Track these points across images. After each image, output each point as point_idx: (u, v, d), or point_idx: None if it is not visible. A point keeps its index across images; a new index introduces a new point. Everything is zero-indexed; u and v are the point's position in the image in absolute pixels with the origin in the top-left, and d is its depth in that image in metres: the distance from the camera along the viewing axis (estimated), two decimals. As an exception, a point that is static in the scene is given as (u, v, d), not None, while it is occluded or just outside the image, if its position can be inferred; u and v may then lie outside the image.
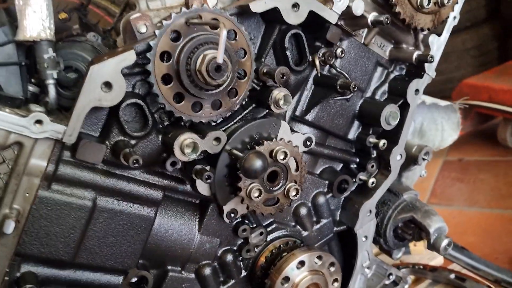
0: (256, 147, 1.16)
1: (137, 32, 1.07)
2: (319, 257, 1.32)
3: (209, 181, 1.10)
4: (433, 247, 1.47)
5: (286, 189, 1.24)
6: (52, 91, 0.98)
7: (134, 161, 1.00)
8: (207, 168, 1.15)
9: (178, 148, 1.08)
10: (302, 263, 1.30)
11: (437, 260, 2.20)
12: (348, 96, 1.38)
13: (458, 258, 2.11)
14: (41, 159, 0.99)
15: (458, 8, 1.44)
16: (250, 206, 1.21)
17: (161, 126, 1.14)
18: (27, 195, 1.00)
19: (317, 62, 1.25)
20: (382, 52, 1.45)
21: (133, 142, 1.10)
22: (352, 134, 1.49)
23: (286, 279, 1.28)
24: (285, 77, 1.15)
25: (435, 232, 1.46)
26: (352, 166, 1.52)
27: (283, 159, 1.18)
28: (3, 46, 0.95)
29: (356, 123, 1.48)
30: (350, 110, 1.44)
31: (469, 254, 2.11)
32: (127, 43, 1.11)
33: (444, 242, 1.44)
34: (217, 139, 1.14)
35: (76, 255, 1.10)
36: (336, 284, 1.37)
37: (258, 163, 1.07)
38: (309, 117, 1.38)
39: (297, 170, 1.25)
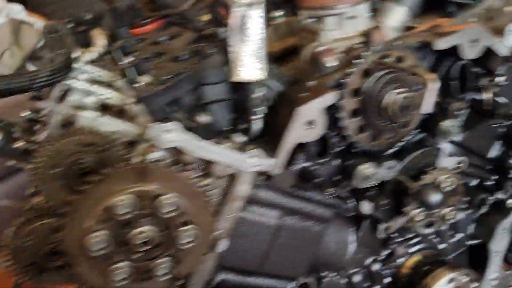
0: (424, 177, 1.23)
1: (323, 65, 1.14)
2: (467, 274, 1.40)
3: (382, 206, 1.19)
4: None
5: (444, 213, 1.31)
6: (255, 126, 1.08)
7: (332, 191, 1.09)
8: (379, 194, 1.23)
9: (358, 177, 1.17)
10: (452, 279, 1.38)
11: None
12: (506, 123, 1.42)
13: None
14: (246, 186, 1.10)
15: None
16: (412, 227, 1.30)
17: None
18: (230, 216, 1.12)
19: (485, 95, 1.29)
20: (535, 74, 1.45)
21: (315, 167, 1.20)
22: (492, 154, 1.52)
23: (435, 294, 1.38)
24: (459, 111, 1.20)
25: None
26: (487, 183, 1.57)
27: (447, 187, 1.25)
28: (217, 84, 1.05)
29: (497, 142, 1.51)
30: (496, 131, 1.47)
31: None
32: (309, 74, 1.17)
33: None
34: (390, 167, 1.22)
35: (261, 266, 1.23)
36: (473, 298, 1.45)
37: (436, 198, 1.15)
38: (459, 139, 1.42)
39: (454, 194, 1.32)
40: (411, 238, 1.47)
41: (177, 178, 0.94)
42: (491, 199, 1.52)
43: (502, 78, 1.33)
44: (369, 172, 1.17)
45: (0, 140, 1.81)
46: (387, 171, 1.21)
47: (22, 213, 0.93)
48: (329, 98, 1.06)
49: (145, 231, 0.92)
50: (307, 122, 1.05)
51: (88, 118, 0.92)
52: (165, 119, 0.97)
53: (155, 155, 0.95)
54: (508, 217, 1.51)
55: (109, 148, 0.91)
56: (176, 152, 0.99)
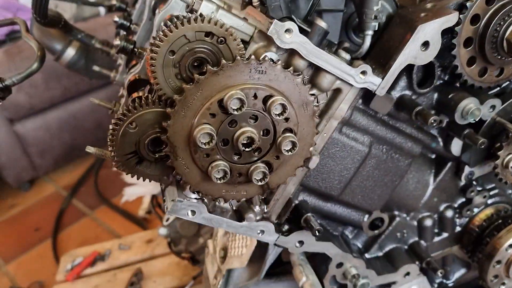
0: (527, 120, 1.17)
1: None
2: (546, 231, 1.36)
3: (483, 146, 1.13)
4: None
5: (537, 163, 1.25)
6: (368, 42, 1.02)
7: (433, 121, 1.04)
8: (474, 134, 1.17)
9: (459, 112, 1.12)
10: (532, 234, 1.34)
11: None
12: None
13: None
14: (346, 105, 1.06)
15: None
16: (499, 174, 1.25)
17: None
18: (325, 135, 1.09)
19: None
20: None
21: (414, 97, 1.14)
22: None
23: (510, 246, 1.34)
24: None
25: None
26: None
27: (550, 135, 1.18)
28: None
29: None
30: None
31: None
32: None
33: None
34: (492, 107, 1.15)
35: (342, 192, 1.21)
36: (548, 257, 1.41)
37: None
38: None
39: (551, 146, 1.25)
40: (490, 189, 1.42)
41: (289, 82, 0.90)
42: None
43: None
44: (471, 108, 1.11)
45: (74, 55, 1.81)
46: (489, 110, 1.15)
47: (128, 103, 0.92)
48: (450, 19, 0.99)
49: (250, 131, 0.90)
50: (423, 43, 0.99)
51: (210, 8, 0.88)
52: (283, 18, 0.92)
53: (270, 54, 0.91)
54: None
55: (227, 41, 0.87)
56: (289, 55, 0.95)
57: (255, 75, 0.87)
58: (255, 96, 0.88)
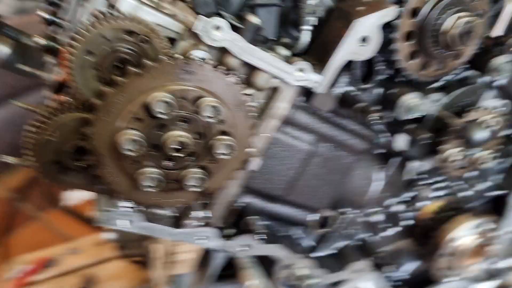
0: (469, 114, 1.16)
1: (383, -19, 1.04)
2: (490, 221, 1.37)
3: (426, 141, 1.12)
4: None
5: (478, 156, 1.25)
6: (305, 37, 0.98)
7: (377, 117, 1.02)
8: (417, 128, 1.16)
9: (403, 107, 1.10)
10: (474, 225, 1.35)
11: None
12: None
13: None
14: (286, 103, 1.02)
15: None
16: (443, 168, 1.24)
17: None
18: (265, 135, 1.05)
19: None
20: None
21: (357, 92, 1.12)
22: (531, 103, 1.45)
23: (457, 237, 1.35)
24: (517, 46, 1.11)
25: None
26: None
27: (491, 127, 1.18)
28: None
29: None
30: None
31: None
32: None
33: None
34: (435, 101, 1.14)
35: (287, 192, 1.17)
36: (494, 246, 1.43)
37: (481, 135, 1.09)
38: (502, 82, 1.34)
39: (493, 138, 1.25)
40: (438, 182, 1.42)
41: (221, 82, 0.85)
42: (523, 150, 1.46)
43: None
44: (413, 103, 1.09)
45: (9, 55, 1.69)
46: (432, 104, 1.14)
47: (49, 106, 0.84)
48: (388, 13, 0.96)
49: (180, 135, 0.85)
50: (361, 38, 0.96)
51: (131, 4, 0.81)
52: (211, 15, 0.87)
53: (199, 53, 0.86)
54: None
55: (151, 40, 0.81)
56: (221, 54, 0.90)
57: (183, 76, 0.82)
58: (184, 98, 0.83)
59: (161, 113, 0.80)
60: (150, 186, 0.87)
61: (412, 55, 1.07)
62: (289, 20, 1.04)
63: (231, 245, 1.13)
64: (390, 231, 1.43)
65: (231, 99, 0.87)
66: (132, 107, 0.80)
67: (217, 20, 0.84)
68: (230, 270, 1.34)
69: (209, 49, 0.88)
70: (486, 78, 1.23)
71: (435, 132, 1.21)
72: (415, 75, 1.10)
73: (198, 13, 0.86)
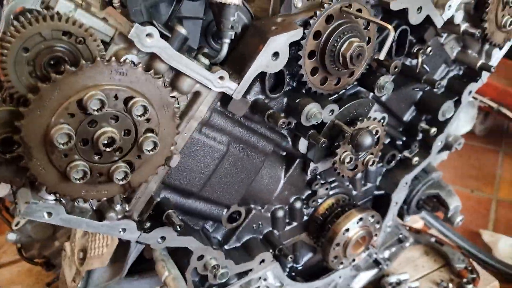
0: (359, 123, 1.37)
1: (293, 6, 1.20)
2: (373, 216, 1.60)
3: (324, 145, 1.29)
4: (448, 220, 1.80)
5: (366, 159, 1.47)
6: (225, 49, 1.10)
7: (282, 123, 1.17)
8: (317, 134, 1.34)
9: (305, 115, 1.26)
10: (361, 219, 1.57)
11: (417, 224, 2.59)
12: (425, 88, 1.61)
13: (437, 227, 2.52)
14: (205, 107, 1.13)
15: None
16: (337, 168, 1.44)
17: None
18: (185, 135, 1.15)
19: (421, 58, 1.45)
20: (451, 52, 1.67)
21: (266, 100, 1.26)
22: (406, 117, 1.73)
23: (347, 230, 1.56)
24: (396, 69, 1.35)
25: (453, 209, 1.79)
26: (398, 142, 1.78)
27: (376, 135, 1.40)
28: (196, 1, 1.05)
29: (412, 108, 1.72)
30: (413, 97, 1.68)
31: (446, 225, 2.53)
32: (280, 13, 1.22)
33: (459, 218, 1.78)
34: (331, 111, 1.33)
35: (202, 189, 1.28)
36: (375, 238, 1.67)
37: (369, 141, 1.29)
38: (384, 98, 1.59)
39: (377, 144, 1.48)
40: (331, 182, 1.63)
41: (150, 84, 0.93)
42: (399, 156, 1.73)
43: (429, 49, 1.51)
44: (314, 112, 1.26)
45: None
46: (329, 113, 1.32)
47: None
48: (297, 33, 1.12)
49: (109, 131, 0.92)
50: (273, 53, 1.11)
51: (67, 6, 0.87)
52: (144, 23, 0.95)
53: (131, 57, 0.93)
54: (411, 172, 1.74)
55: (86, 41, 0.87)
56: (150, 59, 0.98)
57: (116, 77, 0.89)
58: (116, 97, 0.90)
59: (94, 110, 0.87)
60: (78, 179, 0.92)
61: (314, 71, 1.25)
62: (211, 33, 1.16)
63: (148, 237, 1.20)
64: (290, 226, 1.61)
65: (158, 100, 0.96)
66: (67, 103, 0.85)
67: (149, 28, 0.92)
68: (144, 264, 1.41)
69: (139, 54, 0.96)
70: (373, 94, 1.46)
71: (331, 138, 1.40)
72: (316, 88, 1.28)
73: (131, 20, 0.94)
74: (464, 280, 2.11)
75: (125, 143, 0.95)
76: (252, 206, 1.49)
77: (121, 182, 0.98)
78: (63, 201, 1.02)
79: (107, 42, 0.95)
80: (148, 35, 0.93)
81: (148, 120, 0.96)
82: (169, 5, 1.02)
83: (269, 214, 1.54)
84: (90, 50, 0.89)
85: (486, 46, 1.67)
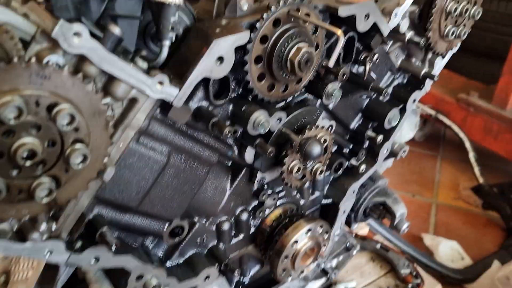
0: (307, 132, 1.33)
1: (239, 9, 1.13)
2: (321, 226, 1.56)
3: (271, 154, 1.23)
4: (395, 227, 1.80)
5: (314, 169, 1.43)
6: (165, 52, 1.01)
7: (228, 132, 1.10)
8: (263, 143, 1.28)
9: (251, 123, 1.20)
10: (309, 230, 1.53)
11: (362, 231, 2.60)
12: (371, 95, 1.60)
13: (382, 232, 2.55)
14: (143, 115, 1.03)
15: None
16: (285, 178, 1.39)
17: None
18: (121, 145, 1.04)
19: (368, 65, 1.43)
20: (395, 61, 1.67)
21: (210, 108, 1.19)
22: (353, 124, 1.71)
23: (296, 242, 1.51)
24: (345, 76, 1.31)
25: (399, 216, 1.79)
26: (345, 150, 1.76)
27: (324, 144, 1.37)
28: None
29: (358, 115, 1.71)
30: (360, 105, 1.66)
31: (391, 231, 2.56)
32: (225, 15, 1.15)
33: (405, 225, 1.79)
34: (279, 119, 1.28)
35: (140, 203, 1.18)
36: (324, 248, 1.63)
37: (317, 150, 1.25)
38: (331, 106, 1.56)
39: (325, 153, 1.45)
40: (279, 192, 1.57)
41: (78, 89, 0.83)
42: (347, 164, 1.71)
43: (376, 56, 1.50)
44: (261, 120, 1.20)
45: None
46: (276, 121, 1.27)
47: None
48: (243, 37, 1.06)
49: (30, 142, 0.80)
50: (218, 57, 1.04)
51: (-24, -1, 0.75)
52: (71, 20, 0.84)
53: (55, 58, 0.82)
54: (358, 180, 1.73)
55: (1, 40, 0.75)
56: (79, 60, 0.88)
57: (37, 80, 0.78)
58: (37, 104, 0.79)
59: (10, 119, 0.75)
60: (-6, 200, 0.80)
61: (261, 77, 1.19)
62: (149, 34, 1.07)
63: (79, 259, 1.08)
64: (236, 239, 1.54)
65: (88, 108, 0.86)
66: (-25, 111, 0.73)
67: (76, 26, 0.82)
68: (78, 285, 1.28)
69: (66, 55, 0.86)
70: (321, 102, 1.43)
71: (278, 147, 1.35)
72: (263, 95, 1.22)
73: (56, 17, 0.83)
74: (409, 285, 2.14)
75: (50, 156, 0.84)
76: (196, 219, 1.40)
77: (44, 200, 0.87)
78: (-24, 222, 0.89)
79: (28, 41, 0.84)
80: (76, 34, 0.83)
81: (76, 129, 0.85)
82: (101, 1, 0.92)
83: (214, 227, 1.46)
84: (6, 50, 0.77)
85: (430, 55, 1.69)
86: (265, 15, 1.10)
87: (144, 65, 1.01)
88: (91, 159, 0.89)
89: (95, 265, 1.12)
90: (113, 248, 1.04)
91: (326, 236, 1.61)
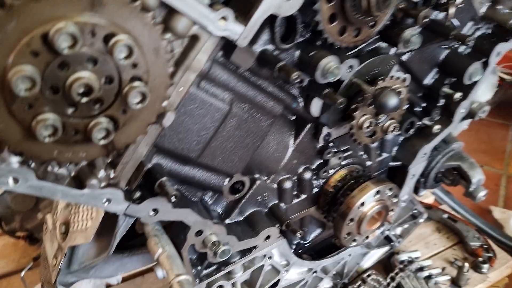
0: (381, 82, 1.19)
1: None
2: (390, 189, 1.44)
3: (341, 106, 1.12)
4: (470, 195, 1.65)
5: (386, 125, 1.30)
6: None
7: (296, 76, 0.99)
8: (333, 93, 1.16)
9: (320, 70, 1.08)
10: (378, 192, 1.41)
11: (427, 200, 2.44)
12: (451, 46, 1.43)
13: (448, 202, 2.38)
14: (205, 55, 0.95)
15: None
16: (354, 134, 1.27)
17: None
18: (181, 89, 0.97)
19: (451, 9, 1.26)
20: (479, 8, 1.48)
21: (276, 52, 1.08)
22: (427, 80, 1.55)
23: (362, 204, 1.40)
24: (426, 20, 1.16)
25: (475, 183, 1.63)
26: (417, 108, 1.60)
27: (400, 96, 1.23)
28: None
29: (434, 70, 1.54)
30: (436, 57, 1.49)
31: (458, 201, 2.39)
32: None
33: (482, 193, 1.63)
34: (351, 67, 1.15)
35: (201, 155, 1.11)
36: (391, 213, 1.51)
37: (393, 101, 1.12)
38: (405, 57, 1.41)
39: (399, 107, 1.31)
40: (345, 151, 1.46)
41: (136, 20, 0.75)
42: (419, 123, 1.56)
43: (460, 0, 1.32)
44: (331, 66, 1.08)
45: None
46: (347, 70, 1.14)
47: None
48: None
49: (86, 77, 0.74)
50: (287, -9, 0.92)
51: None
52: None
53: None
54: (430, 142, 1.58)
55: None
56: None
57: (94, 7, 0.71)
58: (93, 34, 0.72)
59: (64, 48, 0.68)
60: (47, 136, 0.74)
61: (332, 18, 1.06)
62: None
63: (138, 209, 1.03)
64: (298, 199, 1.45)
65: (147, 42, 0.78)
66: (28, 38, 0.67)
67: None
68: (136, 239, 1.25)
69: (123, -19, 0.77)
70: (395, 51, 1.28)
71: (348, 100, 1.22)
72: (333, 39, 1.10)
73: None
74: (480, 259, 1.98)
75: (107, 94, 0.78)
76: (257, 175, 1.32)
77: (102, 142, 0.80)
78: (33, 165, 0.85)
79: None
80: (134, -44, 0.74)
81: (134, 65, 0.78)
82: None
83: (275, 185, 1.37)
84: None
85: (520, 1, 1.48)
86: None
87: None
88: (150, 99, 0.81)
89: (154, 217, 1.07)
90: (173, 199, 0.98)
91: (395, 200, 1.49)
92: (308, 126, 1.31)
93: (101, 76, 0.75)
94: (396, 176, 1.66)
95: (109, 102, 0.79)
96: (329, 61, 1.08)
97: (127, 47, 0.74)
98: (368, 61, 1.20)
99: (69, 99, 0.74)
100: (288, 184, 1.38)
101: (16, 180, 0.82)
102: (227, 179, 1.22)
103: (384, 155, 1.59)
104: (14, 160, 0.81)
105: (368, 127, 1.24)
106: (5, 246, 2.10)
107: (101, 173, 0.94)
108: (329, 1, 1.03)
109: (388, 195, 1.45)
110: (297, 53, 1.12)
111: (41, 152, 0.78)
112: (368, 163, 1.55)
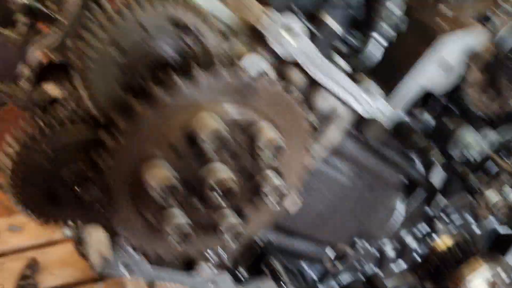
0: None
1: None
2: (505, 269, 1.27)
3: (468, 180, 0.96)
4: None
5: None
6: (373, 51, 0.77)
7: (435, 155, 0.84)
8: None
9: (458, 147, 0.93)
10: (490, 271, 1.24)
11: None
12: None
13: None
14: (340, 131, 0.81)
15: None
16: (475, 209, 1.11)
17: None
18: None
19: None
20: None
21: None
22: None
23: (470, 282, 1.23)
24: None
25: None
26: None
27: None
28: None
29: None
30: None
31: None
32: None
33: None
34: (490, 141, 0.99)
35: (313, 228, 0.99)
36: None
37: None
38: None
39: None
40: (455, 220, 1.29)
41: (282, 104, 0.63)
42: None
43: None
44: (472, 144, 0.93)
45: None
46: (488, 144, 0.98)
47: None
48: (477, 34, 0.78)
49: (228, 177, 0.62)
50: (444, 63, 0.77)
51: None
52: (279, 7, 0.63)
53: (259, 61, 0.62)
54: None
55: (201, 35, 0.57)
56: (281, 63, 0.66)
57: (238, 90, 0.59)
58: (238, 125, 0.60)
59: (207, 143, 0.57)
60: (177, 240, 0.63)
61: (482, 89, 0.91)
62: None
63: (241, 288, 0.92)
64: (400, 267, 1.29)
65: (290, 127, 0.66)
66: (171, 133, 0.56)
67: (292, 21, 0.61)
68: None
69: (267, 55, 0.65)
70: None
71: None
72: (477, 110, 0.94)
73: (266, 4, 0.62)
74: None
75: (240, 188, 0.66)
76: (356, 239, 1.18)
77: (224, 236, 0.69)
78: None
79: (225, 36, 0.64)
80: (290, 31, 0.62)
81: (277, 153, 0.65)
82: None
83: (375, 251, 1.23)
84: (207, 49, 0.58)
85: None
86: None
87: (345, 65, 0.78)
88: (286, 190, 0.69)
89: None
90: (284, 285, 0.85)
91: (508, 281, 1.30)
92: (419, 191, 1.16)
93: (236, 168, 0.64)
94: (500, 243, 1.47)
95: (239, 195, 0.67)
96: (468, 134, 0.92)
97: (276, 147, 0.62)
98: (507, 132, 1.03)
99: (199, 193, 0.63)
100: (389, 249, 1.23)
101: (131, 270, 0.72)
102: (329, 249, 1.09)
103: (496, 224, 1.41)
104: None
105: (498, 202, 1.07)
106: (73, 253, 1.99)
107: (213, 257, 0.83)
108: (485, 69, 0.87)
109: (502, 276, 1.27)
110: (431, 121, 0.97)
111: (163, 249, 0.68)
112: (478, 231, 1.38)
